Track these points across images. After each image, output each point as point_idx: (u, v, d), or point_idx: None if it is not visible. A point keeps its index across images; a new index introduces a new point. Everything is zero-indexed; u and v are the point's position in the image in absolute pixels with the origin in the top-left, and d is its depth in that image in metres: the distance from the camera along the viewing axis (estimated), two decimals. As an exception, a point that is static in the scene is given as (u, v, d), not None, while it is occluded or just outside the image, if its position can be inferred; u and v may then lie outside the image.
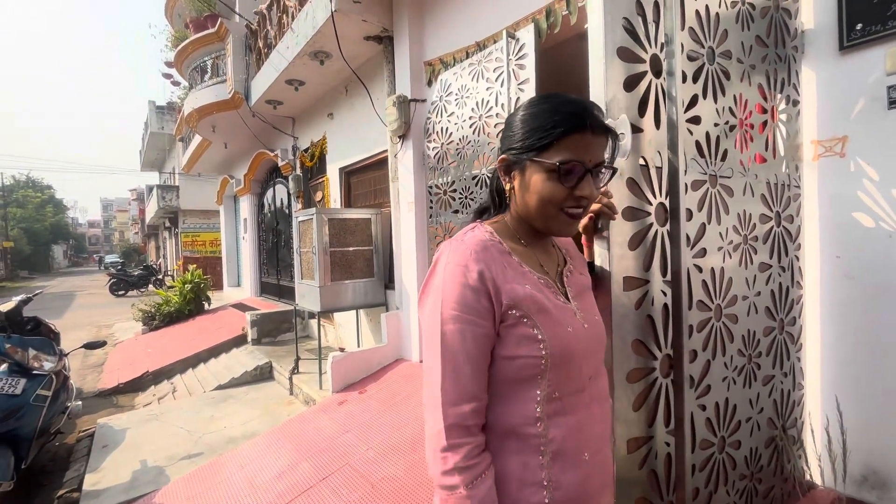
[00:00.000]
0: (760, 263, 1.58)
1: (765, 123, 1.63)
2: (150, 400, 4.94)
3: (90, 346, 3.76)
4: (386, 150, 4.19)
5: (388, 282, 4.51)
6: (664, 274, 1.22)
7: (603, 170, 0.76)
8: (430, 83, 3.68)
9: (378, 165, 4.70)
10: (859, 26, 1.65)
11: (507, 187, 0.82)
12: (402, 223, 3.99)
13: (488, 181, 1.28)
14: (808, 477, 1.79)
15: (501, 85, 2.84)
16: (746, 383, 1.52)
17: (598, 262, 1.07)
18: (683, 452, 1.26)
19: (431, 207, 3.67)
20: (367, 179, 5.09)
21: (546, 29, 2.57)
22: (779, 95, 1.70)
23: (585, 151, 0.73)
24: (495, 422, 0.75)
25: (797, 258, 1.77)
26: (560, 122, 0.72)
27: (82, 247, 66.02)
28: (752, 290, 1.54)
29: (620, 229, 1.12)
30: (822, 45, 1.76)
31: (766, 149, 1.63)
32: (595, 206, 0.95)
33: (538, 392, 0.74)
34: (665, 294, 1.23)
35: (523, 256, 0.80)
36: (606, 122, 0.77)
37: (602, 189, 0.88)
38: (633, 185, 1.15)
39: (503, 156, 0.80)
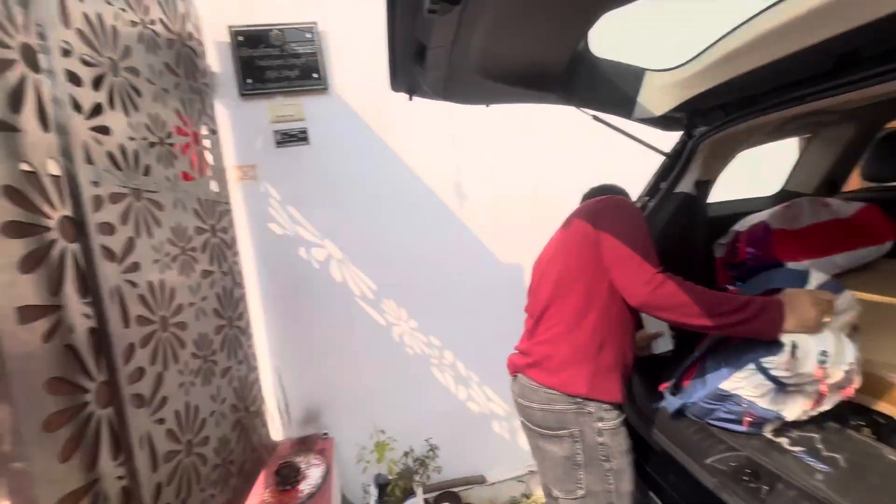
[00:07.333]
0: (203, 271, 1.75)
1: (188, 145, 1.79)
2: None
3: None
4: None
5: None
6: (84, 295, 1.09)
7: None
8: None
9: None
10: (250, 81, 2.14)
11: None
12: None
13: None
14: (272, 438, 2.19)
15: None
16: (206, 381, 1.65)
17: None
18: (140, 478, 1.20)
19: None
20: None
21: None
22: (198, 122, 1.92)
23: None
24: None
25: (236, 263, 2.09)
26: None
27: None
28: (197, 295, 1.67)
29: (5, 249, 0.89)
30: (230, 88, 2.15)
31: (193, 168, 1.81)
32: None
33: None
34: (89, 317, 1.10)
35: None
36: None
37: None
38: (14, 194, 0.94)
39: None
